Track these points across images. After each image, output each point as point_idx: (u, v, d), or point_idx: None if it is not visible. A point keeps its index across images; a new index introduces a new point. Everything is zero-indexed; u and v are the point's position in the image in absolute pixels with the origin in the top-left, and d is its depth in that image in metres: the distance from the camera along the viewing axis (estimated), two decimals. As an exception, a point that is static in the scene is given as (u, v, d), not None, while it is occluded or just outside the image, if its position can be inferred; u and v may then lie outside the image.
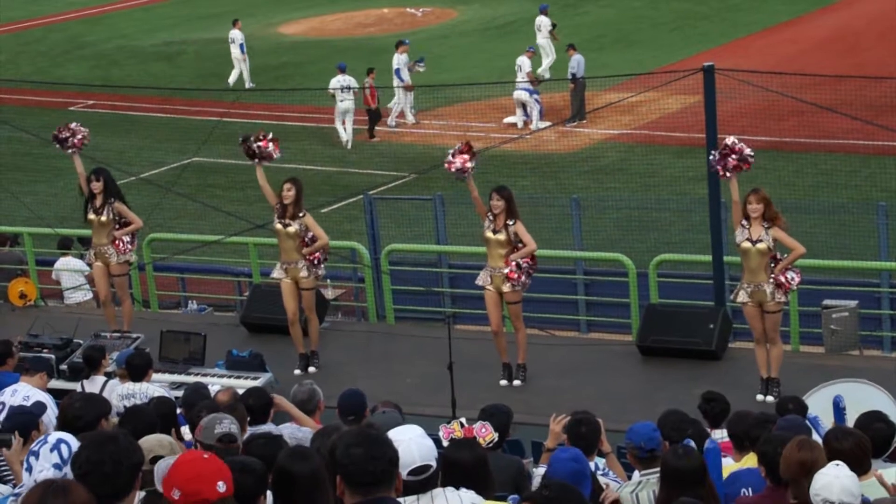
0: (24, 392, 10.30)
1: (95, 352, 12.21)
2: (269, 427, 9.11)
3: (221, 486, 5.16)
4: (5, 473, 7.95)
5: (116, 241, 15.34)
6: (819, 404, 10.82)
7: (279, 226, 14.54)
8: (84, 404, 7.71)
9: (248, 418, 9.05)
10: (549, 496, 5.42)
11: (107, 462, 5.30)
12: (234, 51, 35.83)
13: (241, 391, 10.01)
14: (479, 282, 14.18)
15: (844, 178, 23.48)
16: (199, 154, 26.32)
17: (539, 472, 7.98)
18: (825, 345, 15.24)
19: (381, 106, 29.88)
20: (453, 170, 13.81)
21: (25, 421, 8.38)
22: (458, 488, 5.89)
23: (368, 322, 17.83)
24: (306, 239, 14.54)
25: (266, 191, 14.58)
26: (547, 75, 33.31)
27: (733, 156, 13.00)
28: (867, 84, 25.89)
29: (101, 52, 42.83)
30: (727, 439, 9.31)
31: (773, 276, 13.06)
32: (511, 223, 13.80)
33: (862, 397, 11.02)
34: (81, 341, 14.26)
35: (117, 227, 15.36)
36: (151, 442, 6.59)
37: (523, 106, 29.69)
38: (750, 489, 7.68)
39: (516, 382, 14.32)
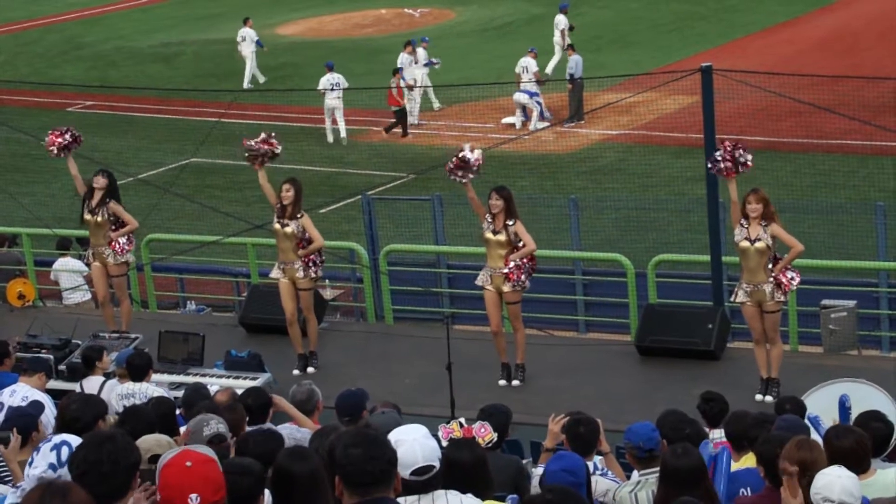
0: (23, 392, 10.30)
1: (93, 352, 12.21)
2: (267, 427, 9.11)
3: (194, 499, 5.07)
4: (4, 473, 7.95)
5: (113, 243, 15.33)
6: (817, 404, 10.80)
7: (277, 226, 14.57)
8: (80, 406, 7.71)
9: (247, 418, 9.05)
10: (551, 500, 5.42)
11: (104, 462, 5.30)
12: (245, 49, 35.88)
13: (239, 391, 10.01)
14: (478, 282, 14.19)
15: (842, 179, 23.50)
16: (197, 155, 26.30)
17: (538, 471, 7.99)
18: (824, 345, 15.25)
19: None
20: (469, 157, 13.79)
21: (25, 422, 8.39)
22: (462, 492, 5.88)
23: (367, 322, 17.83)
24: (303, 240, 14.55)
25: (267, 190, 14.60)
26: (549, 71, 33.48)
27: (727, 161, 13.06)
28: (865, 84, 25.91)
29: (99, 52, 42.82)
30: (725, 439, 9.32)
31: (772, 275, 13.07)
32: (510, 223, 13.81)
33: (860, 397, 10.99)
34: (80, 342, 14.25)
35: (113, 227, 15.35)
36: (150, 441, 6.60)
37: (523, 107, 29.71)
38: (748, 489, 7.68)
39: (515, 382, 14.33)
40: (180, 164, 27.03)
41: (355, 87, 29.51)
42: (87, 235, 16.02)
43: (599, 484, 8.08)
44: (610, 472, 8.51)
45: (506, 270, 13.82)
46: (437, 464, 5.75)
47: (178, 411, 9.56)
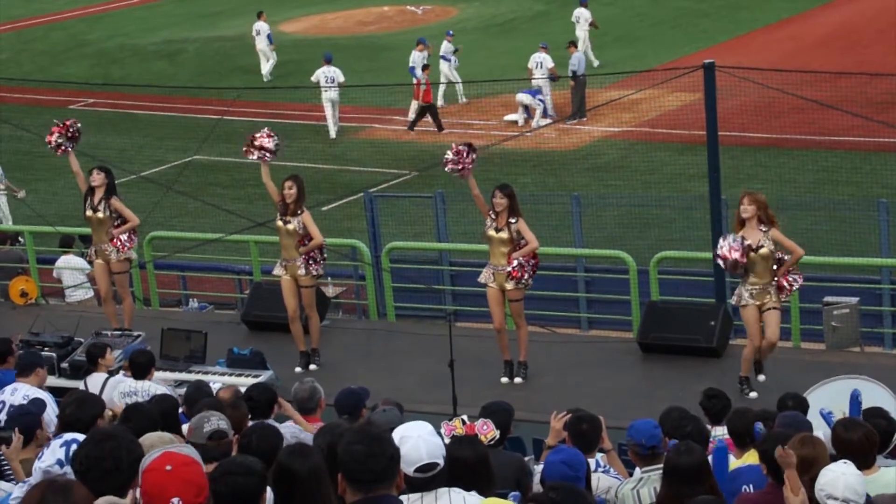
0: (24, 391, 10.30)
1: (96, 349, 12.21)
2: (269, 422, 9.11)
3: (176, 503, 5.04)
4: (7, 471, 7.95)
5: (114, 240, 15.33)
6: (820, 401, 10.82)
7: (280, 223, 14.57)
8: (76, 409, 7.72)
9: (250, 415, 9.07)
10: (555, 499, 5.41)
11: (106, 459, 5.31)
12: (260, 43, 36.10)
13: (242, 389, 10.02)
14: (481, 279, 14.18)
15: (845, 175, 23.48)
16: (199, 152, 26.34)
17: (540, 469, 7.99)
18: (826, 341, 15.24)
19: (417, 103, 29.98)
20: (459, 155, 13.85)
21: (28, 420, 8.39)
22: (465, 489, 5.88)
23: (369, 320, 17.82)
24: (305, 237, 14.55)
25: (270, 187, 14.61)
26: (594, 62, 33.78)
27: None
28: (868, 81, 25.91)
29: (102, 50, 42.85)
30: (728, 436, 9.31)
31: (775, 279, 13.05)
32: (513, 221, 13.80)
33: (863, 393, 11.01)
34: (82, 339, 14.26)
35: (116, 224, 15.35)
36: (153, 439, 6.60)
37: (525, 106, 29.71)
38: (751, 486, 7.67)
39: (517, 380, 14.32)
40: (183, 161, 27.04)
41: (358, 85, 29.53)
42: (90, 233, 16.02)
43: (602, 481, 8.09)
44: (612, 470, 8.51)
45: (509, 269, 13.81)
46: (441, 461, 5.75)
47: (180, 409, 9.56)
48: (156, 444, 6.44)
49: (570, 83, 29.74)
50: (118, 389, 11.47)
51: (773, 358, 13.65)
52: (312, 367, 14.95)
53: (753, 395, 13.20)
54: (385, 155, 27.76)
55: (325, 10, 47.35)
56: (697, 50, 34.13)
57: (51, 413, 9.35)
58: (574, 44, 30.75)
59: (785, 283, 13.08)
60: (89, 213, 15.36)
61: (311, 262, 14.59)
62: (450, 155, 13.88)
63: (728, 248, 12.87)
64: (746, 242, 12.89)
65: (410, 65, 30.94)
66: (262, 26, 36.33)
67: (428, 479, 5.72)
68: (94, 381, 11.83)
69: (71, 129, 15.44)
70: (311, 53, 38.95)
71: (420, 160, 25.88)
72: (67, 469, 5.97)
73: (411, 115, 30.05)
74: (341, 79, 30.17)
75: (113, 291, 15.88)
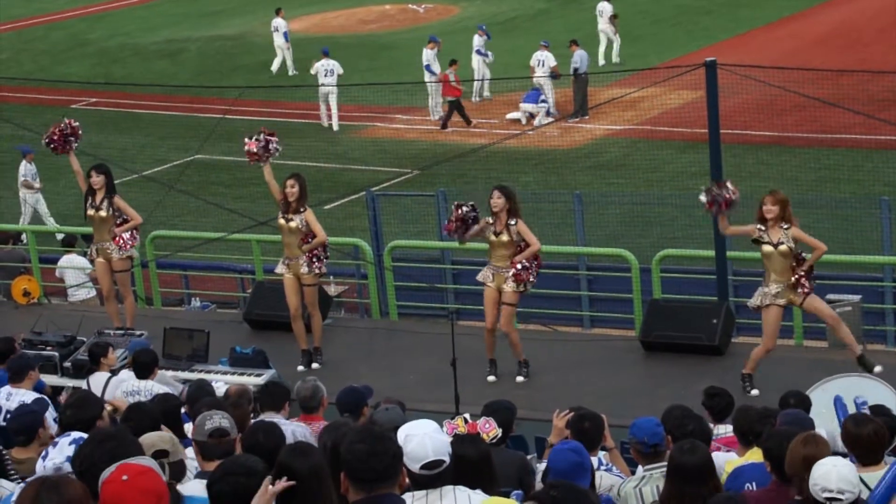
0: (20, 396, 10.27)
1: (99, 349, 12.22)
2: (278, 418, 9.14)
3: None
4: (10, 471, 7.96)
5: (117, 238, 15.33)
6: (822, 399, 10.82)
7: (282, 221, 14.58)
8: (75, 410, 7.72)
9: (254, 411, 9.10)
10: (556, 497, 5.41)
11: (106, 459, 5.32)
12: (278, 39, 36.38)
13: (252, 388, 10.09)
14: (479, 278, 14.11)
15: (847, 173, 23.47)
16: (201, 151, 26.33)
17: (542, 467, 7.99)
18: (828, 339, 15.23)
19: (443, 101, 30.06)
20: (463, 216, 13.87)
21: (31, 419, 8.39)
22: (472, 487, 5.88)
23: (371, 318, 17.83)
24: (308, 235, 14.54)
25: (272, 186, 14.63)
26: (617, 59, 34.00)
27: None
28: (870, 79, 25.87)
29: (104, 49, 42.85)
30: (731, 434, 9.31)
31: (794, 276, 12.98)
32: (513, 223, 13.74)
33: (865, 391, 11.01)
34: (85, 339, 14.26)
35: (118, 223, 15.35)
36: (153, 438, 6.61)
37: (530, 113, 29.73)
38: (754, 484, 7.67)
39: (519, 378, 14.30)
40: (185, 160, 27.04)
41: (360, 84, 29.52)
42: (91, 232, 16.02)
43: (604, 479, 8.09)
44: (614, 468, 8.51)
45: (513, 272, 13.77)
46: (447, 459, 5.77)
47: (182, 409, 9.56)
48: (156, 444, 6.47)
49: (571, 80, 29.74)
50: (121, 389, 11.47)
51: (775, 356, 13.63)
52: (315, 365, 14.95)
53: (755, 392, 13.19)
54: (387, 153, 27.76)
55: (327, 8, 47.34)
56: (699, 48, 34.11)
57: (51, 413, 9.34)
58: (575, 42, 30.72)
59: (805, 282, 13.01)
60: (91, 212, 15.36)
61: (314, 260, 14.59)
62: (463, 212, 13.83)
63: (731, 192, 12.95)
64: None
65: (425, 63, 30.98)
66: (279, 23, 36.55)
67: (434, 476, 5.72)
68: (97, 381, 11.83)
69: (66, 130, 15.43)
70: (312, 52, 38.85)
71: (422, 159, 25.89)
72: None
73: (436, 113, 30.11)
74: (340, 71, 30.45)
75: (115, 290, 15.89)
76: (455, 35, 39.63)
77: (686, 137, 25.92)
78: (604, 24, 34.62)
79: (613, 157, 26.57)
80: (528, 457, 8.95)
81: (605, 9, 34.73)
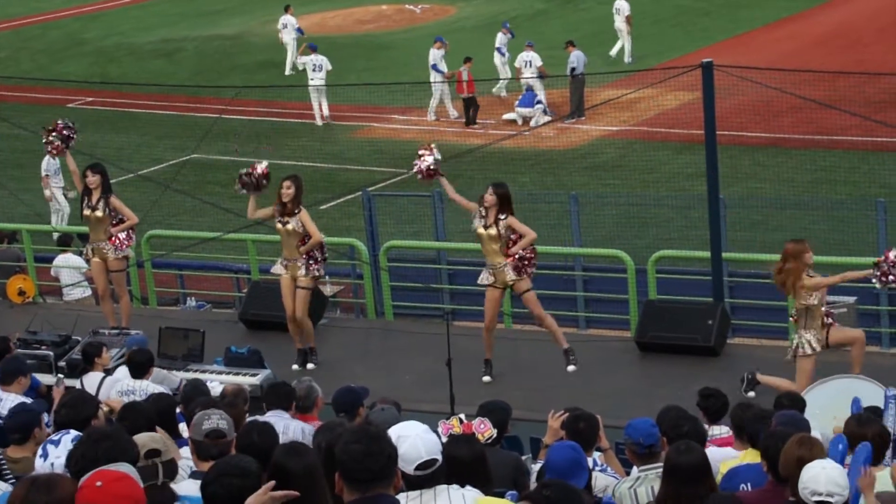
0: (11, 400, 10.22)
1: (93, 348, 12.20)
2: (275, 417, 9.15)
3: None
4: (5, 471, 7.94)
5: (113, 238, 15.33)
6: (817, 400, 10.83)
7: (279, 224, 14.56)
8: (70, 411, 7.71)
9: (249, 410, 9.11)
10: (549, 496, 5.40)
11: (101, 459, 5.32)
12: (286, 36, 36.23)
13: (247, 388, 10.11)
14: (481, 281, 14.13)
15: (843, 175, 23.48)
16: (197, 151, 26.32)
17: (538, 467, 7.99)
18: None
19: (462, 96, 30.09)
20: (424, 167, 13.89)
21: (28, 418, 8.37)
22: (462, 486, 5.90)
23: (367, 318, 17.82)
24: (305, 236, 14.54)
25: (260, 215, 14.63)
26: (629, 59, 33.92)
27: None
28: (867, 80, 25.89)
29: (100, 48, 42.81)
30: (725, 435, 9.32)
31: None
32: (503, 217, 13.76)
33: (860, 393, 11.01)
34: (80, 338, 14.25)
35: (114, 222, 15.34)
36: (144, 438, 6.60)
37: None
38: (748, 484, 7.67)
39: (570, 368, 14.28)
40: (181, 160, 27.03)
41: (358, 84, 29.52)
42: (87, 231, 16.01)
43: (599, 480, 8.09)
44: (609, 469, 8.51)
45: (512, 264, 13.79)
46: (439, 457, 5.80)
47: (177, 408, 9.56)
48: (147, 444, 6.46)
49: (568, 81, 29.73)
50: (115, 388, 11.45)
51: (770, 357, 13.63)
52: (310, 365, 14.95)
53: (751, 394, 13.20)
54: (383, 154, 27.73)
55: (325, 8, 47.31)
56: (697, 49, 34.10)
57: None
58: (572, 42, 30.70)
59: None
60: (87, 211, 15.36)
61: (311, 261, 14.58)
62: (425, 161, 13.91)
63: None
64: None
65: (431, 62, 30.98)
66: (289, 19, 36.55)
67: (428, 475, 5.75)
68: (91, 381, 11.81)
69: (64, 131, 15.45)
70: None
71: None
72: None
73: (434, 114, 30.13)
74: (329, 66, 30.58)
75: (111, 290, 15.88)
76: (452, 35, 39.63)
77: (682, 139, 25.93)
78: (620, 23, 34.61)
79: (610, 158, 26.57)
80: (523, 457, 8.95)
81: (622, 7, 34.70)
